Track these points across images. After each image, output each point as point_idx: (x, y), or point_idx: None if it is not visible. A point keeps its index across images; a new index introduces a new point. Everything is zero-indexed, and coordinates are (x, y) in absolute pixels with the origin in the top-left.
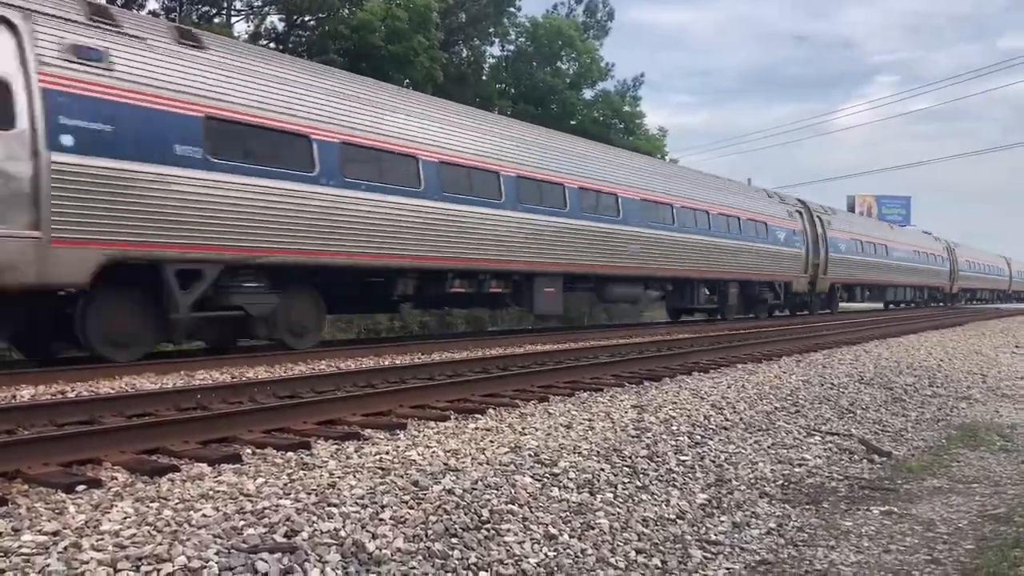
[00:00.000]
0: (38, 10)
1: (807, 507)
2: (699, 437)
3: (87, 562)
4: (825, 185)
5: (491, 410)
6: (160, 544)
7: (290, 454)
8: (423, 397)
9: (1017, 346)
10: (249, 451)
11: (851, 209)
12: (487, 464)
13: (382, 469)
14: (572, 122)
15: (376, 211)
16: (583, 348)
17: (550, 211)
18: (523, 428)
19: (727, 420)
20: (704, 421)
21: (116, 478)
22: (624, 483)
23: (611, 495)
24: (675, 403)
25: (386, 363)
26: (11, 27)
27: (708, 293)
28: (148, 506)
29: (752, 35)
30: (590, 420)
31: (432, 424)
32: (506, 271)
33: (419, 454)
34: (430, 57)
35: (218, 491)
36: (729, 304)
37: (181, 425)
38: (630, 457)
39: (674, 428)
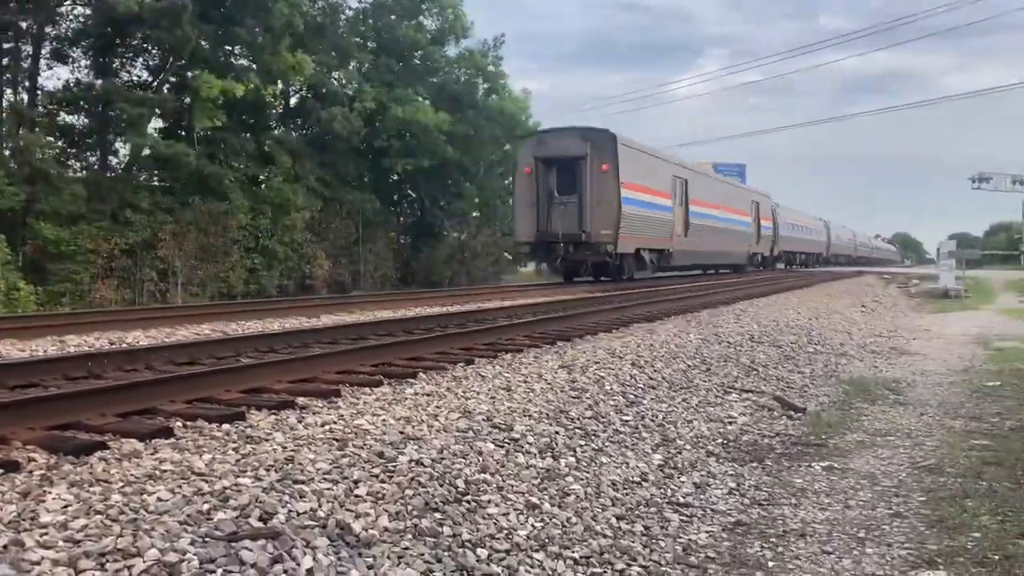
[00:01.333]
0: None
1: (753, 465)
2: (632, 396)
3: (38, 562)
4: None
5: (422, 374)
6: (122, 536)
7: (226, 426)
8: (347, 362)
9: (863, 306)
10: (179, 424)
11: None
12: (445, 431)
13: (336, 440)
14: (434, 79)
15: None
16: (476, 311)
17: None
18: (464, 392)
19: (651, 379)
20: (631, 380)
21: (35, 459)
22: (581, 446)
23: (573, 459)
24: (598, 363)
25: (275, 327)
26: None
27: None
28: (89, 491)
29: (587, 2)
30: (526, 382)
31: (367, 391)
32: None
33: (370, 423)
34: (289, 3)
35: (164, 471)
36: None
37: (94, 396)
38: (578, 419)
39: (607, 388)
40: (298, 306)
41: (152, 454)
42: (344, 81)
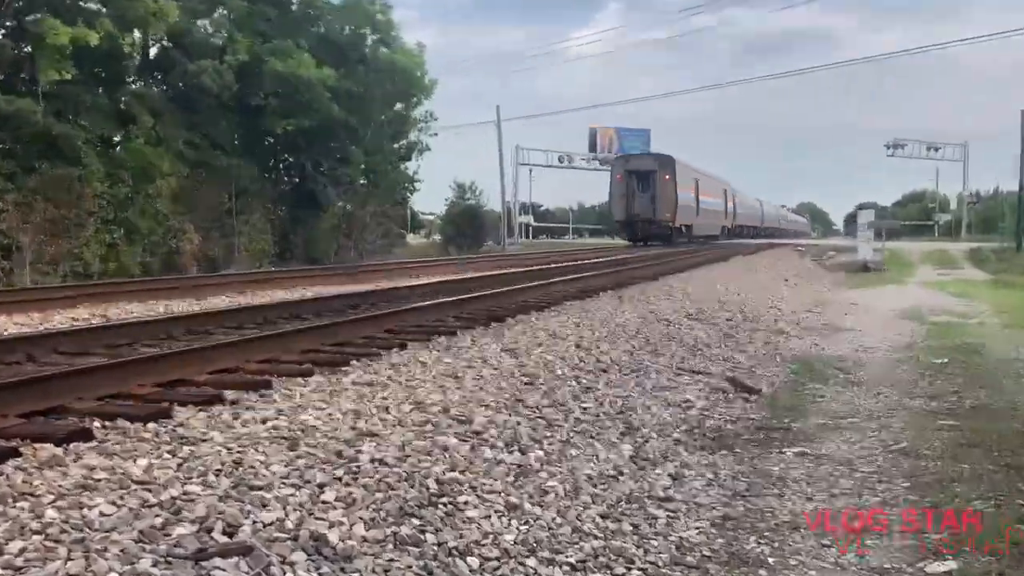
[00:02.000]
0: None
1: (724, 453)
2: (586, 382)
3: None
4: (565, 117)
5: (354, 361)
6: (72, 560)
7: (152, 425)
8: (269, 349)
9: (786, 280)
10: (97, 424)
11: (593, 142)
12: (401, 426)
13: (284, 439)
14: (315, 28)
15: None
16: (385, 290)
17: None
18: (407, 381)
19: (600, 362)
20: (580, 364)
21: None
22: (547, 437)
23: (542, 453)
24: (540, 344)
25: (162, 310)
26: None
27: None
28: (15, 507)
29: None
30: (470, 367)
31: (300, 381)
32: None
33: (315, 418)
34: None
35: (98, 479)
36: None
37: None
38: (536, 407)
39: (559, 373)
40: (174, 287)
41: (76, 460)
42: (212, 30)
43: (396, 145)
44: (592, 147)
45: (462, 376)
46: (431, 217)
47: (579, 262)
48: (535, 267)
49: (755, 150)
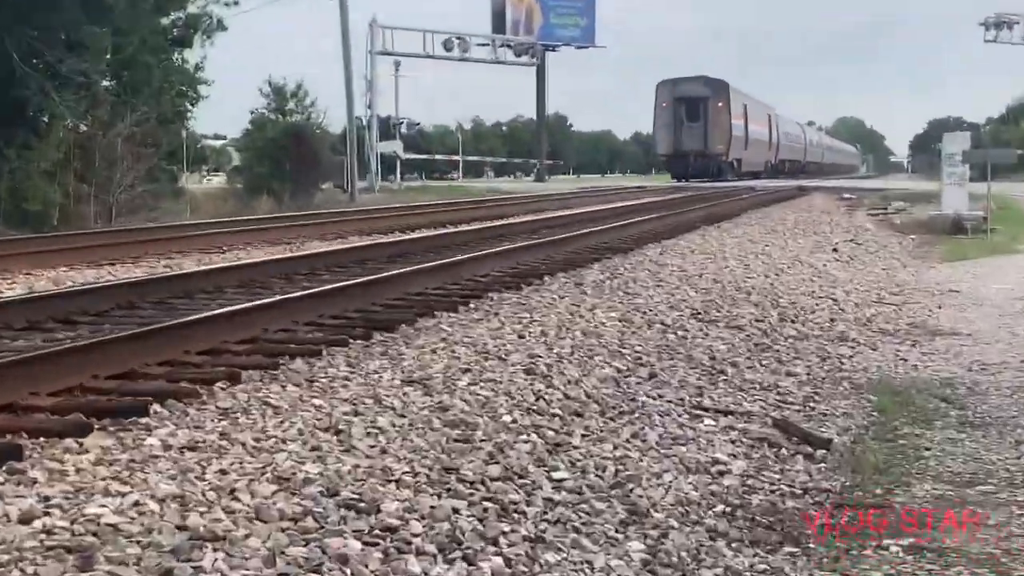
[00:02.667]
0: None
1: (791, 553)
2: (552, 435)
3: None
4: None
5: (158, 406)
6: None
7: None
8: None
9: (835, 250)
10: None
11: (500, 17)
12: (261, 520)
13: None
14: None
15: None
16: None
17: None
18: (254, 441)
19: (569, 399)
20: (541, 405)
21: None
22: (505, 533)
23: (500, 561)
24: (467, 371)
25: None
26: None
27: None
28: None
29: None
30: (356, 413)
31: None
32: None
33: (112, 511)
34: None
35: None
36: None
37: None
38: (481, 481)
39: (504, 419)
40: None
41: None
42: None
43: (165, 20)
44: (499, 25)
45: (346, 429)
46: (222, 145)
47: (494, 222)
48: (419, 231)
49: (767, 42)
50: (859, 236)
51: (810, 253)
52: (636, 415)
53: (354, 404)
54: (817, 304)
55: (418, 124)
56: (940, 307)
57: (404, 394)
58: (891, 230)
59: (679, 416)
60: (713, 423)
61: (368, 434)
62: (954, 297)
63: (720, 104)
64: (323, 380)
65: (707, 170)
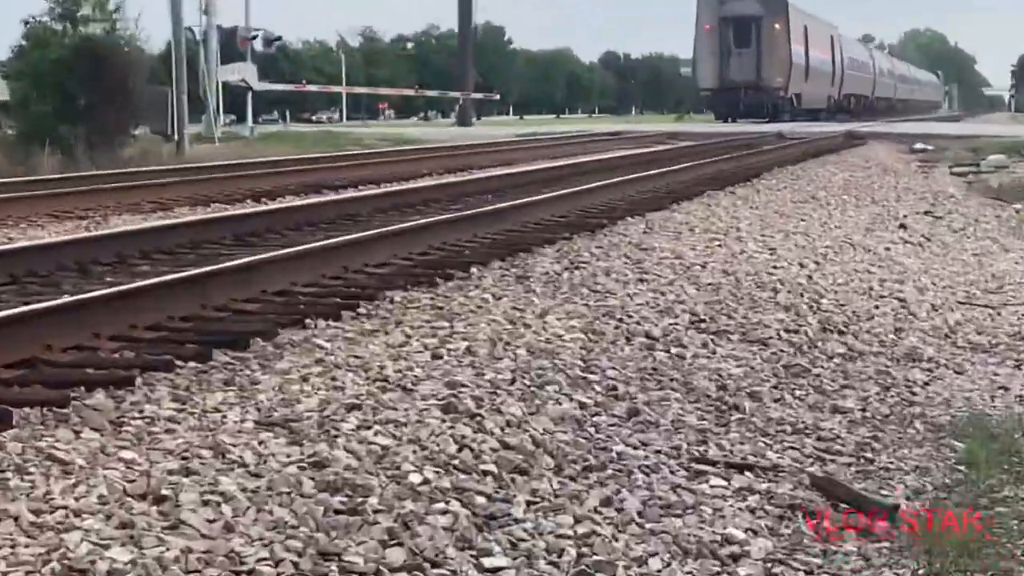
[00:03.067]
0: None
1: None
2: (483, 502)
3: None
4: None
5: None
6: None
7: None
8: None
9: (903, 226)
10: None
11: None
12: None
13: None
14: None
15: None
16: None
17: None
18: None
19: (508, 449)
20: (466, 458)
21: None
22: None
23: None
24: (351, 408)
25: None
26: None
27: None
28: None
29: None
30: (174, 472)
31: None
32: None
33: None
34: None
35: None
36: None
37: None
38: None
39: (416, 481)
40: None
41: None
42: None
43: None
44: None
45: (173, 496)
46: None
47: (393, 185)
48: (280, 199)
49: None
50: (938, 206)
51: (866, 232)
52: (609, 472)
53: (184, 458)
54: (876, 307)
55: (279, 39)
56: None
57: (260, 443)
58: (985, 197)
59: (673, 473)
60: (723, 483)
61: (205, 503)
62: None
63: (777, 26)
64: (137, 422)
65: (761, 108)
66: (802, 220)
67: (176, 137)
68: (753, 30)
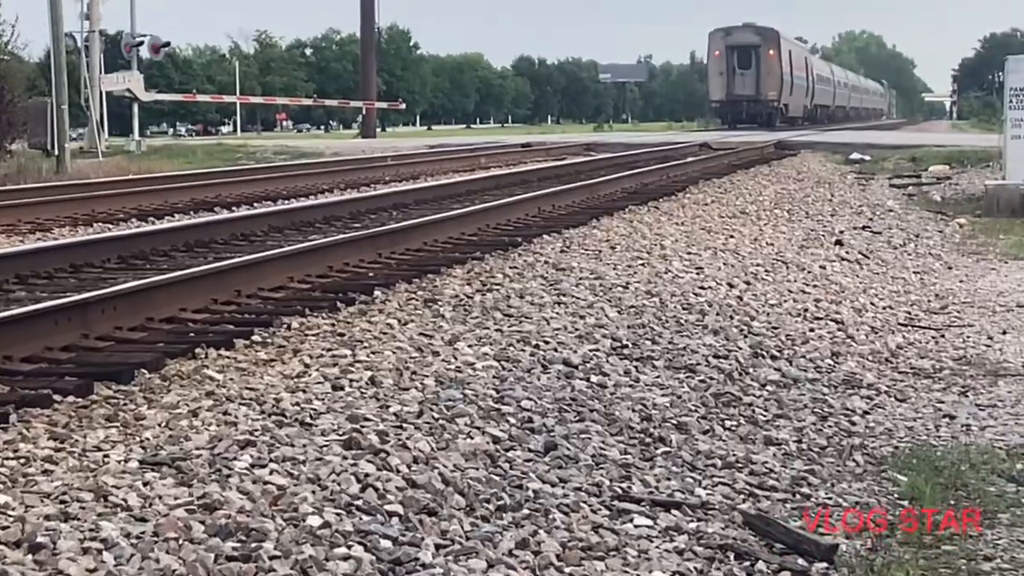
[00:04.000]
0: None
1: None
2: (388, 546)
3: None
4: None
5: None
6: None
7: None
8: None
9: (839, 242)
10: None
11: None
12: None
13: None
14: None
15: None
16: None
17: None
18: None
19: (415, 488)
20: (369, 498)
21: None
22: None
23: None
24: (247, 443)
25: None
26: None
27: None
28: None
29: None
30: None
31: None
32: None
33: None
34: None
35: None
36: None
37: None
38: None
39: (315, 524)
40: None
41: None
42: None
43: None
44: None
45: (49, 544)
46: None
47: (289, 202)
48: (169, 218)
49: None
50: (877, 220)
51: (800, 249)
52: (525, 512)
53: (62, 502)
54: (812, 330)
55: (167, 44)
56: (1005, 332)
57: (145, 484)
58: (927, 210)
59: (594, 512)
60: (648, 523)
61: (85, 551)
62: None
63: (771, 52)
64: (11, 463)
65: (759, 116)
66: (731, 236)
67: (56, 152)
68: (753, 56)
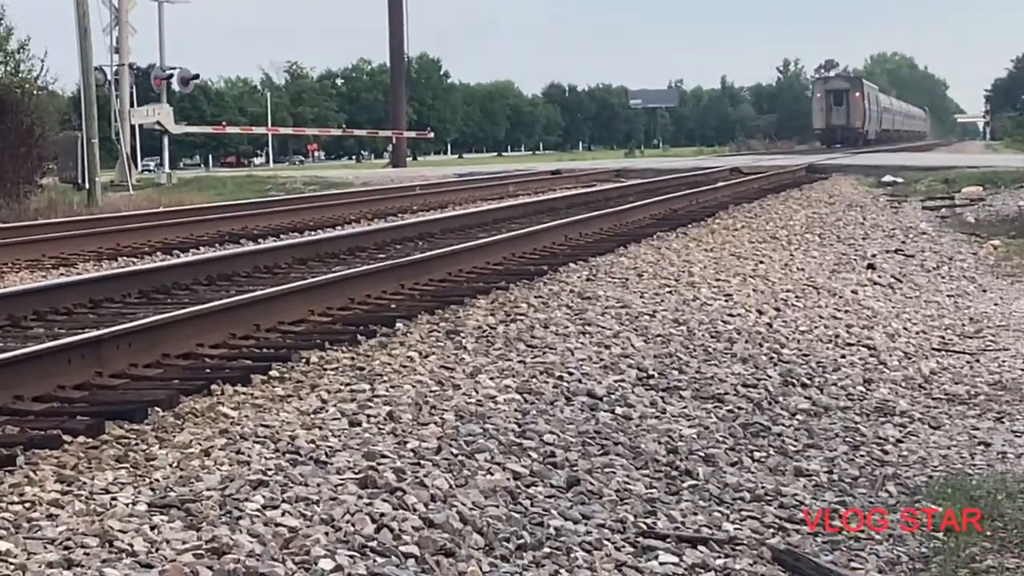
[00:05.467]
0: None
1: None
2: None
3: None
4: None
5: None
6: None
7: None
8: None
9: (871, 266)
10: None
11: None
12: None
13: None
14: None
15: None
16: None
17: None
18: None
19: (432, 527)
20: (385, 539)
21: None
22: None
23: None
24: (259, 483)
25: None
26: None
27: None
28: None
29: None
30: None
31: None
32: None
33: None
34: None
35: None
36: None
37: None
38: None
39: (327, 568)
40: None
41: None
42: None
43: None
44: None
45: None
46: None
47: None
48: (195, 250)
49: None
50: (909, 243)
51: (831, 273)
52: (546, 550)
53: (66, 548)
54: (843, 356)
55: (196, 77)
56: None
57: (152, 527)
58: (961, 233)
59: (618, 550)
60: (674, 560)
61: None
62: None
63: (857, 94)
64: (15, 508)
65: (848, 139)
66: (761, 262)
67: (87, 186)
68: (844, 96)
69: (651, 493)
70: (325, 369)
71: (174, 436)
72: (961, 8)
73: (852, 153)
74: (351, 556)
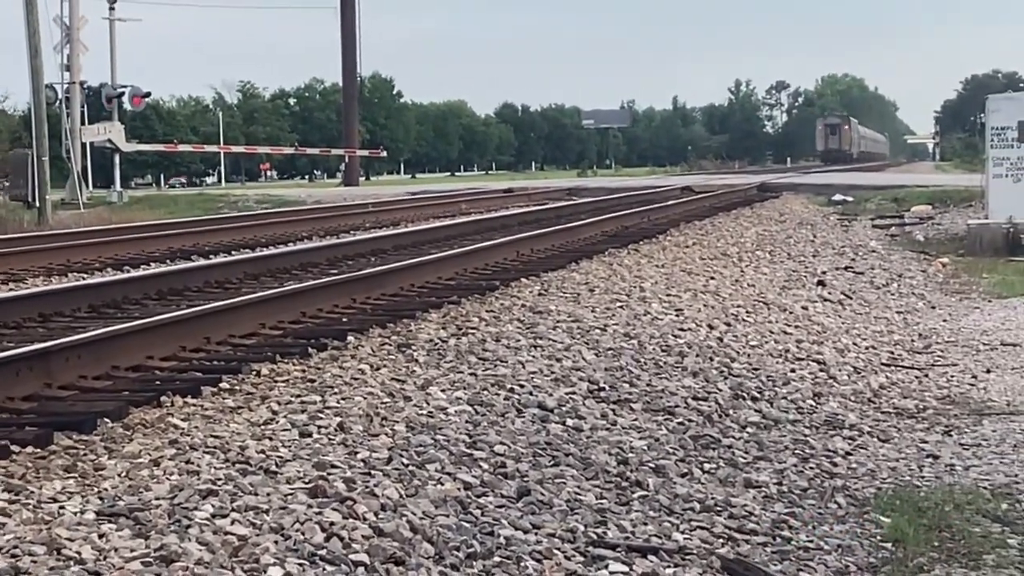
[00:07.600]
0: None
1: None
2: None
3: None
4: None
5: None
6: None
7: None
8: None
9: (821, 282)
10: None
11: None
12: None
13: None
14: None
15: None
16: None
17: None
18: None
19: (382, 536)
20: (334, 547)
21: None
22: None
23: None
24: (209, 492)
25: None
26: None
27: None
28: None
29: None
30: None
31: None
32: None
33: None
34: None
35: None
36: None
37: None
38: None
39: None
40: None
41: None
42: None
43: None
44: None
45: None
46: None
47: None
48: (145, 266)
49: None
50: (859, 261)
51: (782, 289)
52: (496, 559)
53: (13, 556)
54: (793, 371)
55: (148, 95)
56: (989, 371)
57: (101, 536)
58: (910, 251)
59: (567, 559)
60: (624, 569)
61: None
62: (1012, 355)
63: (847, 127)
64: None
65: (841, 158)
66: (712, 278)
67: (37, 204)
68: (838, 128)
69: (601, 503)
70: (276, 381)
71: (123, 447)
72: (910, 32)
73: (803, 172)
74: (300, 564)
